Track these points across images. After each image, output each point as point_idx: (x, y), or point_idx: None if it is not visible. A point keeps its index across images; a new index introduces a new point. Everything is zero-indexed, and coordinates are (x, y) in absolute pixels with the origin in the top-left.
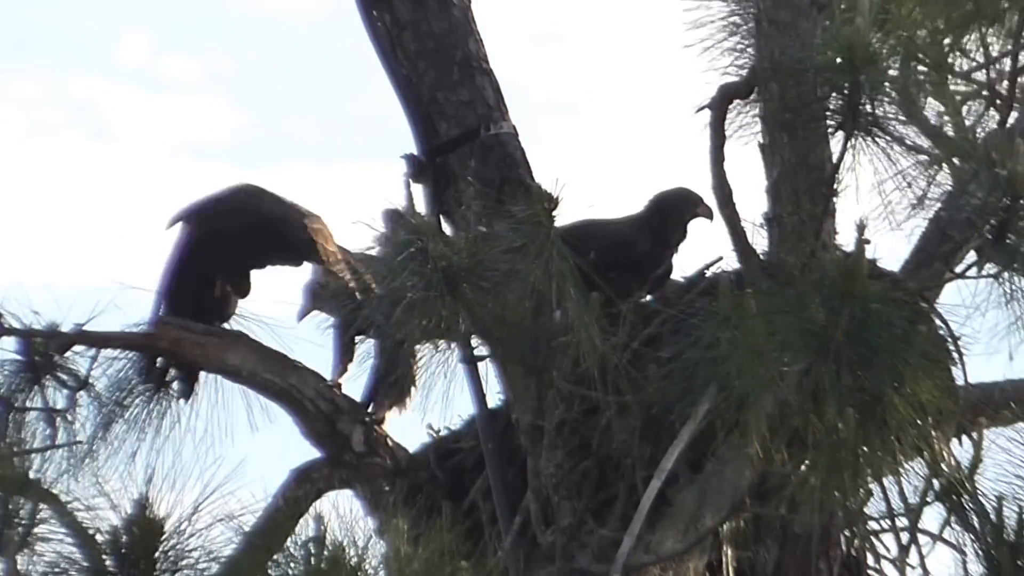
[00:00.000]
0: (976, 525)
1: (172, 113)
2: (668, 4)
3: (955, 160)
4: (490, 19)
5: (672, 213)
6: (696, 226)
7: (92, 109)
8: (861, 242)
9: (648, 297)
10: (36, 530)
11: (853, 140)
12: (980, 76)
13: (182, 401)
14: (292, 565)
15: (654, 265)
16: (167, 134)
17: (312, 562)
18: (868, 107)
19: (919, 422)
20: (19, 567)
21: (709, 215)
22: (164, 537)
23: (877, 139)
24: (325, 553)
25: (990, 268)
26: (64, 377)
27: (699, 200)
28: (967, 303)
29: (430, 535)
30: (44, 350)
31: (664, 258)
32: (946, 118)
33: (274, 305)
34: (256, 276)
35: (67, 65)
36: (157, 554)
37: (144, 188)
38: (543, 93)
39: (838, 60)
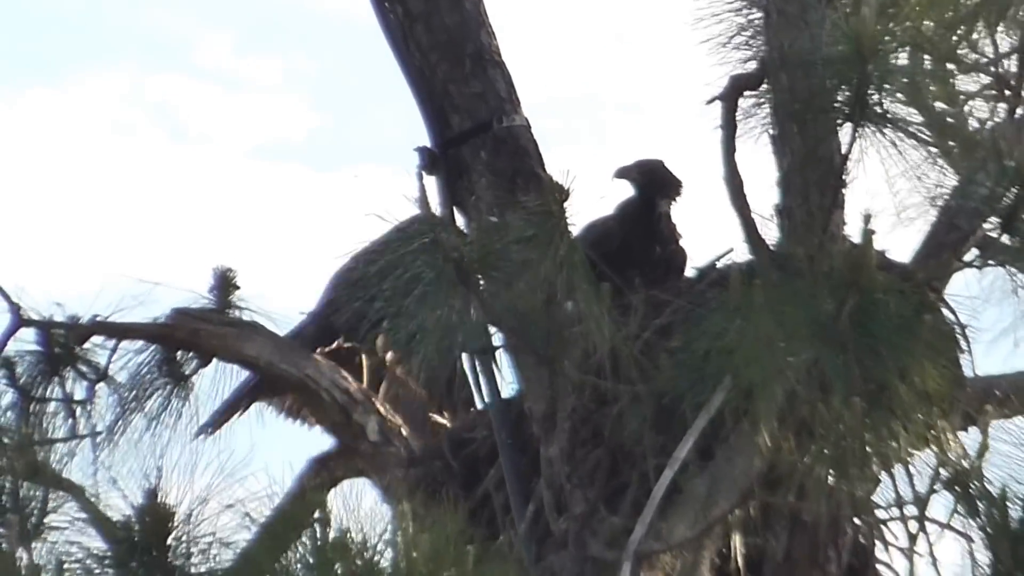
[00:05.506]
0: (982, 513)
1: (251, 113)
2: None
3: (963, 150)
4: (563, 22)
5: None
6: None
7: (172, 109)
8: (868, 233)
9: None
10: (47, 519)
11: (860, 131)
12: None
13: (198, 393)
14: (301, 551)
15: (641, 252)
16: (245, 134)
17: (319, 545)
18: (876, 98)
19: (925, 411)
20: (33, 554)
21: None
22: (175, 524)
23: (885, 130)
24: (331, 537)
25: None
26: (84, 369)
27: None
28: (974, 292)
29: (439, 520)
30: (63, 341)
31: (652, 242)
32: (953, 109)
33: (287, 301)
34: (270, 270)
35: (149, 65)
36: (170, 541)
37: (220, 189)
38: (612, 94)
39: (845, 51)
